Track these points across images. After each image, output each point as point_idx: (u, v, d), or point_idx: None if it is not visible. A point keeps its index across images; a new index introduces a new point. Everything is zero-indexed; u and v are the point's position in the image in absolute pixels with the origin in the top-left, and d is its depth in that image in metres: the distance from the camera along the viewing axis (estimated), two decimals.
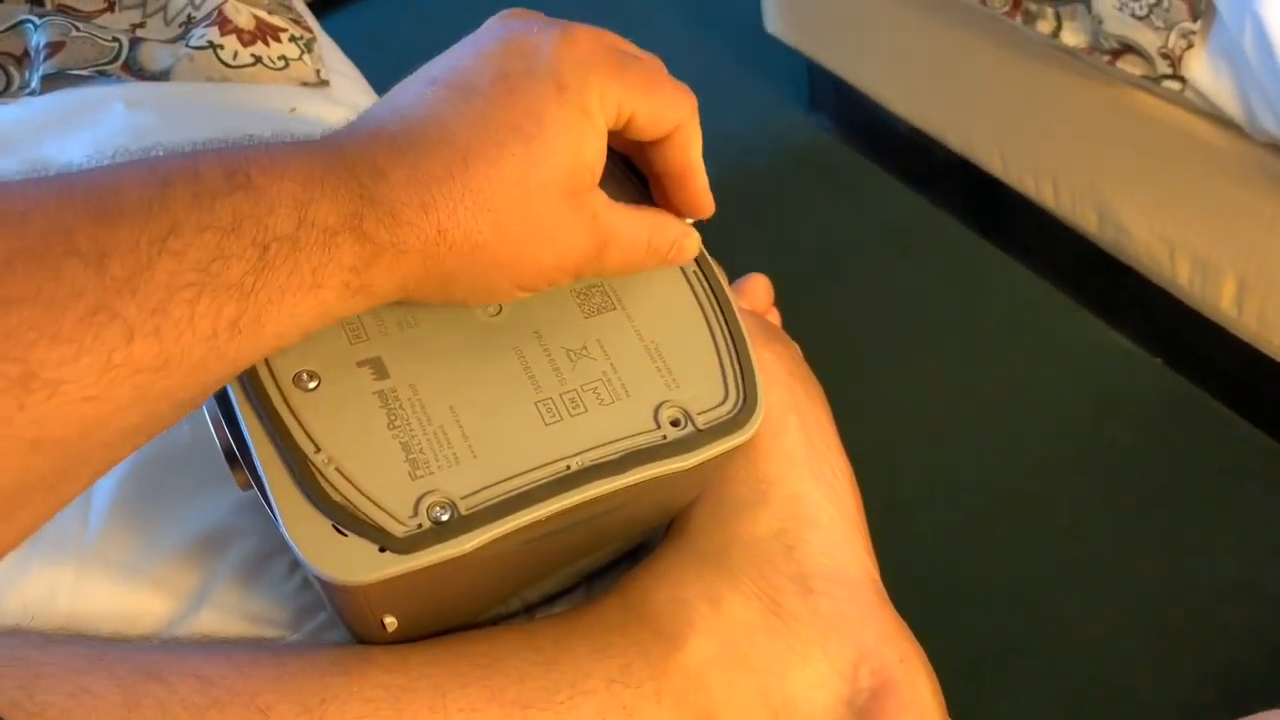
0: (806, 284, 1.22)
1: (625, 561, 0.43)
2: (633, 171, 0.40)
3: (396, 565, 0.31)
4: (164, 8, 0.63)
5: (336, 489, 0.32)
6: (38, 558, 0.39)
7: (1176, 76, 0.94)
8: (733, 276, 0.47)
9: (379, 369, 0.34)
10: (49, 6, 0.62)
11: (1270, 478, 1.08)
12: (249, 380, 0.33)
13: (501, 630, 0.38)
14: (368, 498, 0.32)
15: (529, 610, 0.42)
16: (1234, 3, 0.86)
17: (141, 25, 0.63)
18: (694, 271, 0.39)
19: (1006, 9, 1.06)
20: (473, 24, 0.36)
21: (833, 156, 1.47)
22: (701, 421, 0.36)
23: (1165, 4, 0.91)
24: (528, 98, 0.32)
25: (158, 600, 0.39)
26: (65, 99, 0.57)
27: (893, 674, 0.38)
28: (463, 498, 0.32)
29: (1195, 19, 0.90)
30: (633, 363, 0.36)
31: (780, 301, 0.51)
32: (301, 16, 0.67)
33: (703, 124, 0.37)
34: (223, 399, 0.34)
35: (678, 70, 0.38)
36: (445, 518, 0.32)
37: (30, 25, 0.59)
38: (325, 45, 0.68)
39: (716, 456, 0.35)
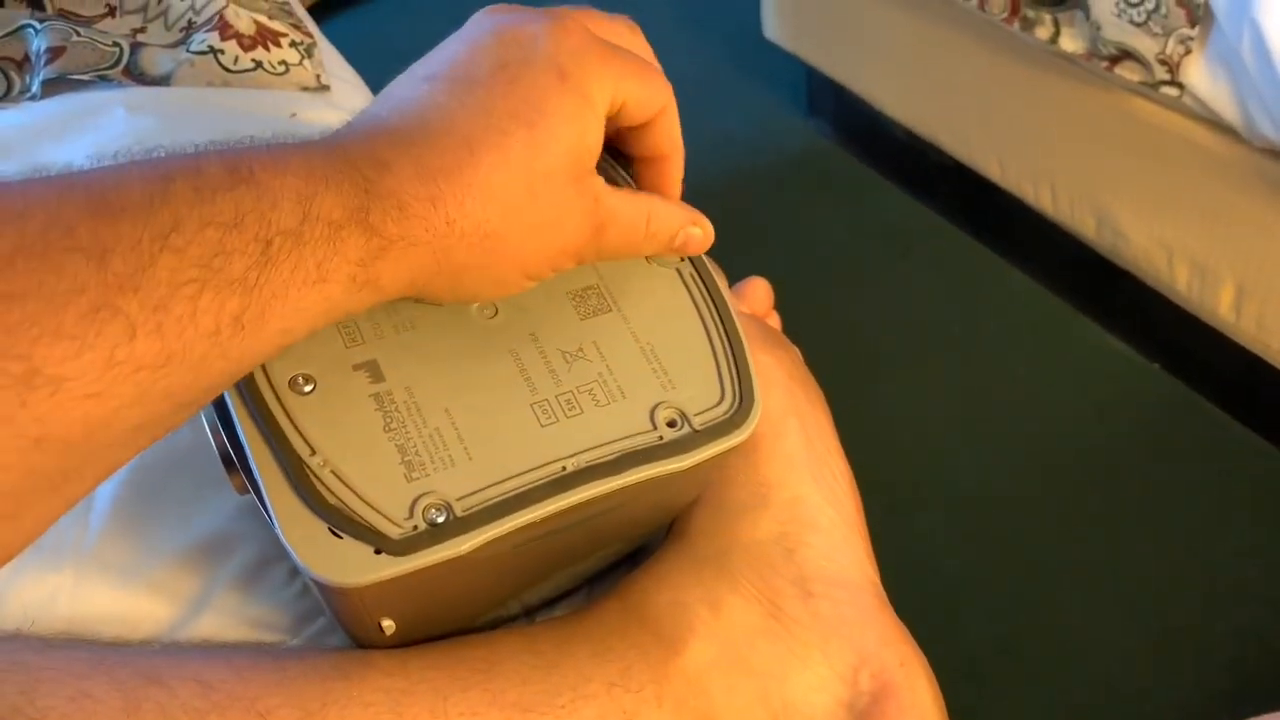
0: (806, 288, 1.22)
1: (625, 565, 0.43)
2: (617, 158, 0.40)
3: (392, 567, 0.31)
4: (165, 13, 0.63)
5: (332, 492, 0.31)
6: (38, 562, 0.39)
7: (1174, 82, 0.94)
8: (732, 280, 0.47)
9: (375, 372, 0.34)
10: (50, 11, 0.62)
11: (1268, 481, 1.08)
12: (245, 384, 0.33)
13: (502, 634, 0.38)
14: (363, 500, 0.32)
15: (529, 614, 0.42)
16: (1232, 9, 0.86)
17: (142, 30, 0.63)
18: (690, 273, 0.39)
19: (1005, 15, 1.06)
20: None
21: (831, 162, 1.48)
22: (698, 422, 0.35)
23: (1163, 10, 0.91)
24: (529, 86, 0.33)
25: (158, 605, 0.39)
26: (66, 104, 0.56)
27: (893, 677, 0.38)
28: (458, 499, 0.32)
29: (1193, 25, 0.90)
30: (628, 364, 0.36)
31: (780, 305, 0.51)
32: (302, 21, 0.67)
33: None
34: (219, 403, 0.34)
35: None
36: (441, 519, 0.32)
37: (31, 30, 0.59)
38: (326, 50, 0.68)
39: (713, 457, 0.35)
